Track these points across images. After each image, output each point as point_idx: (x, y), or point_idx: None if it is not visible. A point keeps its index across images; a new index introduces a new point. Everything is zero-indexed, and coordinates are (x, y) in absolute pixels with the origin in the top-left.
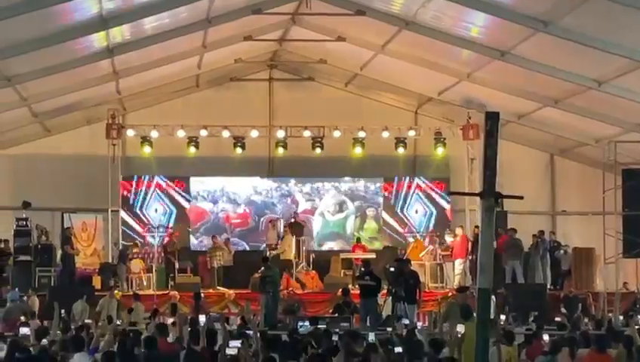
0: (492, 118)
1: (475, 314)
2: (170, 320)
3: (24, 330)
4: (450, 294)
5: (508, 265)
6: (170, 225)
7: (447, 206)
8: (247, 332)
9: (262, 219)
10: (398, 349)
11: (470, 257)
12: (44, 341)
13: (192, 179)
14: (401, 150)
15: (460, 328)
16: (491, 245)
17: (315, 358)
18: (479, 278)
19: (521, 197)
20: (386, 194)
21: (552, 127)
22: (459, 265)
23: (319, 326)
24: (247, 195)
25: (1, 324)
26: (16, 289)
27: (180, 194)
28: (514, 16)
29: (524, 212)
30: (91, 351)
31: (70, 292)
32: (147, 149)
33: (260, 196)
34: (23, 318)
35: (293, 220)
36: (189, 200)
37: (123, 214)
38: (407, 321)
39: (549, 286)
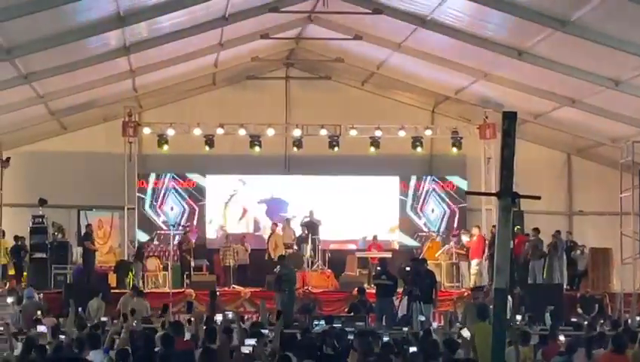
0: (509, 118)
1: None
2: (185, 318)
3: (41, 328)
4: (466, 294)
5: (530, 265)
6: (185, 223)
7: (463, 205)
8: (263, 331)
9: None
10: (413, 349)
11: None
12: (62, 337)
13: (208, 177)
14: (417, 149)
15: (465, 332)
16: (508, 245)
17: (329, 358)
18: (495, 278)
19: (539, 198)
20: (403, 193)
21: (569, 127)
22: (475, 265)
23: (335, 325)
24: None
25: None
26: (30, 286)
27: (195, 192)
28: (532, 16)
29: (541, 212)
30: (105, 349)
31: (86, 289)
32: (163, 147)
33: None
34: (39, 313)
35: (307, 219)
36: (204, 199)
37: (139, 212)
38: (423, 318)
39: (565, 287)
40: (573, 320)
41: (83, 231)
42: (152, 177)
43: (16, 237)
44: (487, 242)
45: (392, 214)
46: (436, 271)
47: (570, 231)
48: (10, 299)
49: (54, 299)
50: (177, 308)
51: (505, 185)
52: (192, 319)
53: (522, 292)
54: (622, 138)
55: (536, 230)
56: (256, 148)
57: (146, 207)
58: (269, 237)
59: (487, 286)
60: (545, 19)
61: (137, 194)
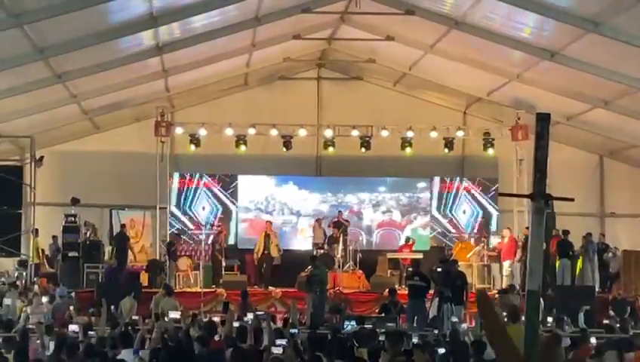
0: (543, 120)
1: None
2: (216, 319)
3: (73, 327)
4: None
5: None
6: (218, 223)
7: (494, 207)
8: (293, 331)
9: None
10: (442, 350)
11: (523, 258)
12: (92, 333)
13: (240, 178)
14: (449, 150)
15: None
16: (541, 247)
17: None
18: (528, 280)
19: (572, 200)
20: (434, 194)
21: (602, 129)
22: (507, 266)
23: (365, 325)
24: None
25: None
26: (61, 285)
27: (227, 192)
28: (564, 17)
29: (573, 214)
30: (135, 350)
31: (118, 288)
32: (195, 147)
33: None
34: (71, 308)
35: (336, 219)
36: (236, 201)
37: (171, 211)
38: (455, 319)
39: (597, 289)
40: (605, 322)
41: (117, 230)
42: (184, 177)
43: (54, 237)
44: (519, 244)
45: (423, 215)
46: (468, 272)
47: (602, 233)
48: (44, 299)
49: (86, 297)
50: (209, 308)
51: (538, 187)
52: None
53: (553, 294)
54: None
55: (565, 232)
56: (288, 149)
57: (178, 206)
58: (266, 236)
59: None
60: (577, 21)
61: (169, 193)
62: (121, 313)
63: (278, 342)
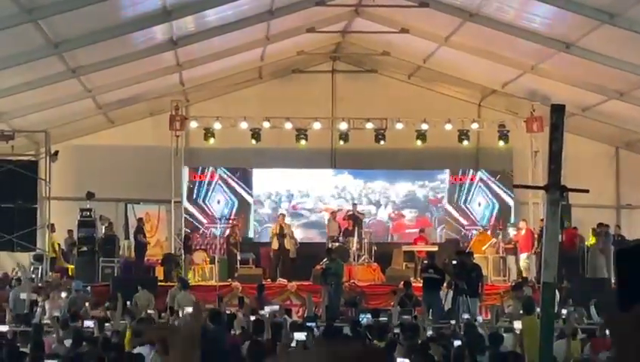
0: (557, 111)
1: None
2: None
3: (88, 322)
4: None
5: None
6: (233, 216)
7: (510, 199)
8: (310, 324)
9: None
10: (457, 342)
11: (539, 250)
12: (108, 325)
13: (255, 171)
14: (464, 142)
15: (517, 324)
16: (556, 239)
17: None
18: (543, 272)
19: (587, 191)
20: (449, 186)
21: (617, 120)
22: (524, 259)
23: (381, 318)
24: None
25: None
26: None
27: (242, 186)
28: (579, 8)
29: (589, 205)
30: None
31: (133, 282)
32: (210, 141)
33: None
34: (87, 304)
35: (351, 212)
36: (251, 194)
37: (186, 205)
38: (467, 315)
39: (613, 281)
40: None
41: (134, 224)
42: (199, 171)
43: (70, 231)
44: (535, 236)
45: (438, 207)
46: (483, 264)
47: (618, 224)
48: (64, 294)
49: (102, 292)
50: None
51: (553, 178)
52: (242, 313)
53: (569, 285)
54: None
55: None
56: (303, 142)
57: (193, 200)
58: (279, 228)
59: (530, 281)
60: (593, 12)
61: (184, 187)
62: (136, 306)
63: (297, 335)
